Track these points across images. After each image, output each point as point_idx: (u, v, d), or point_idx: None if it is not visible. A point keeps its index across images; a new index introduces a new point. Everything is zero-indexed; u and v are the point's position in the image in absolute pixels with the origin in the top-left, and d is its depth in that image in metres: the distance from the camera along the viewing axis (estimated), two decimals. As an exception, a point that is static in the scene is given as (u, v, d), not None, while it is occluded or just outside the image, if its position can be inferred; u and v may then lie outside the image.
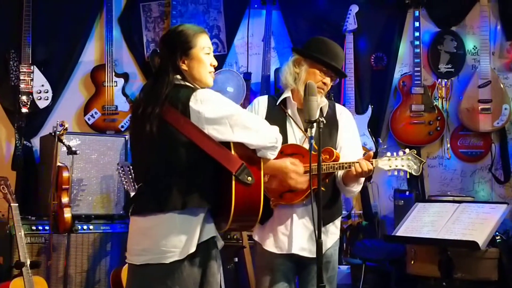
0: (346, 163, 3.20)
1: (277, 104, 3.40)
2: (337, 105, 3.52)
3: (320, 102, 3.33)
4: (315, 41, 3.41)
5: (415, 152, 3.30)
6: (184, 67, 2.86)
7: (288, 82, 3.37)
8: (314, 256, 3.22)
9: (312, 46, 3.38)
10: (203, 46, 2.89)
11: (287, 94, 3.39)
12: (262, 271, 3.38)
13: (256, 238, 3.44)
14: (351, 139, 3.43)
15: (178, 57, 2.86)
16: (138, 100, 2.95)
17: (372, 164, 3.17)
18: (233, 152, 2.78)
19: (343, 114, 3.47)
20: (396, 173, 3.30)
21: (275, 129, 2.95)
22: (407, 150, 3.31)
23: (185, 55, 2.86)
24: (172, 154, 2.75)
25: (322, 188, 3.15)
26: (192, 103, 2.73)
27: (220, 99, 2.81)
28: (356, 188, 3.36)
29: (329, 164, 3.19)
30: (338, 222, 3.45)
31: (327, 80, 3.32)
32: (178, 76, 2.85)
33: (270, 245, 3.34)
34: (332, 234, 3.39)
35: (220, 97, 2.82)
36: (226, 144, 2.78)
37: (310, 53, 3.34)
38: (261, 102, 3.44)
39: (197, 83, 2.88)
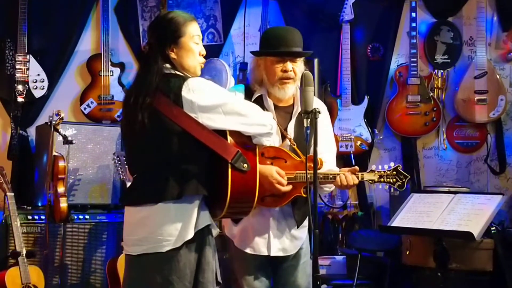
0: (331, 173, 3.16)
1: (252, 101, 3.26)
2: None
3: (295, 92, 3.25)
4: (262, 37, 3.35)
5: (400, 167, 3.26)
6: (173, 55, 2.84)
7: (258, 86, 3.30)
8: (289, 254, 3.26)
9: (261, 43, 3.32)
10: (193, 35, 2.87)
11: (261, 92, 3.30)
12: (238, 262, 3.33)
13: (228, 235, 3.35)
14: (326, 135, 3.34)
15: (167, 45, 2.84)
16: (129, 89, 2.94)
17: (358, 178, 3.17)
18: (229, 138, 2.78)
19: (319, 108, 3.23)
20: (380, 186, 3.27)
21: (269, 115, 2.95)
22: (392, 164, 3.27)
23: (174, 43, 2.84)
24: (165, 144, 2.74)
25: (304, 195, 3.10)
26: (184, 93, 2.72)
27: (213, 87, 2.81)
28: (331, 188, 3.33)
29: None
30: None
31: (287, 65, 3.19)
32: (167, 65, 2.83)
33: (244, 246, 3.27)
34: (304, 227, 3.31)
35: (213, 85, 2.82)
36: (221, 131, 2.78)
37: (258, 52, 3.29)
38: (239, 96, 3.29)
39: (185, 72, 2.86)
